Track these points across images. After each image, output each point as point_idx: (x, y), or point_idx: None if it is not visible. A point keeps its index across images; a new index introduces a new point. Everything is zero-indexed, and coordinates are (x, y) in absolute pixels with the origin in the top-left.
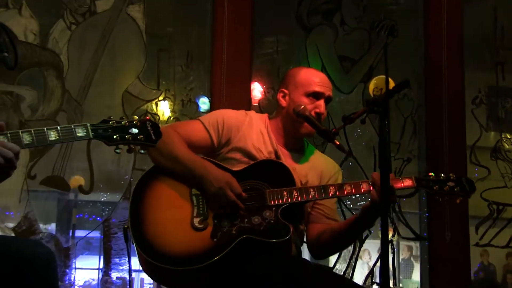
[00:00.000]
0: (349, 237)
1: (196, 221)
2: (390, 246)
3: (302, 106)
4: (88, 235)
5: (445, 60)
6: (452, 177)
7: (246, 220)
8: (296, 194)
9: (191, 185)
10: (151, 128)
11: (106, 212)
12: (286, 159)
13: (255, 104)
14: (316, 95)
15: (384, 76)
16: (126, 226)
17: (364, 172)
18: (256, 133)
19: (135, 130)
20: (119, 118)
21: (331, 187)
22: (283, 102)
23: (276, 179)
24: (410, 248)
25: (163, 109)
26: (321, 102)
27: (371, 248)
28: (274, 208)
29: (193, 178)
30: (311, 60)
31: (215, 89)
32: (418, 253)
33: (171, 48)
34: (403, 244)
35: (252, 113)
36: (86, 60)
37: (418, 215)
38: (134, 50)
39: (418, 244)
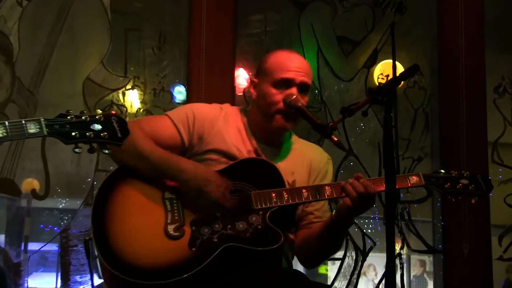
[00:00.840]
0: (329, 242)
1: (170, 228)
2: (398, 261)
3: (294, 96)
4: (43, 248)
5: (462, 42)
6: (465, 174)
7: (229, 226)
8: (286, 196)
9: (163, 188)
10: (117, 124)
11: (65, 221)
12: (269, 156)
13: (239, 94)
14: (285, 83)
15: (390, 61)
16: (87, 238)
17: (368, 173)
18: (233, 130)
19: (97, 127)
20: (79, 112)
21: (326, 188)
22: (254, 94)
23: (262, 180)
24: (422, 263)
25: (132, 99)
26: (292, 91)
27: (376, 263)
28: (261, 212)
29: (166, 179)
30: (305, 42)
31: (193, 76)
32: (432, 268)
33: (140, 28)
34: (414, 258)
35: (227, 107)
36: (40, 42)
37: (432, 224)
38: (97, 30)
39: (431, 258)
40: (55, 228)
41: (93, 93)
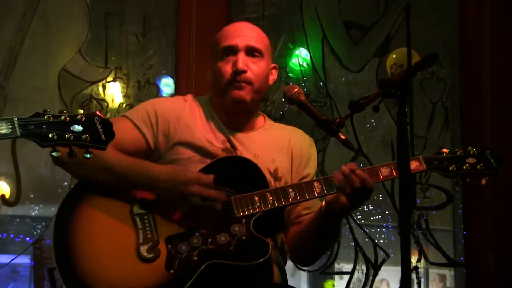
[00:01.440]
0: (322, 236)
1: (143, 249)
2: (415, 275)
3: (296, 89)
4: (13, 261)
5: (487, 27)
6: (472, 152)
7: (209, 240)
8: (271, 198)
9: (130, 202)
10: (101, 125)
11: (38, 231)
12: (244, 145)
13: None
14: (229, 51)
15: (405, 49)
16: (50, 267)
17: None
18: (201, 121)
19: (78, 128)
20: (58, 112)
21: (315, 184)
22: (210, 79)
23: (242, 181)
24: (442, 278)
25: (113, 93)
26: (239, 57)
27: (390, 278)
28: (244, 220)
29: (137, 188)
30: (309, 28)
31: (182, 66)
32: (453, 284)
33: (122, 12)
34: (433, 272)
35: (190, 97)
36: (9, 28)
37: (452, 234)
38: (74, 15)
39: (452, 272)
40: (27, 238)
41: (70, 86)
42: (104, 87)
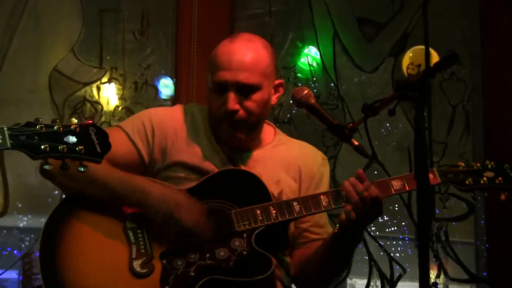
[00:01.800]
0: (333, 263)
1: (136, 264)
2: None
3: (306, 91)
4: (1, 277)
5: (510, 23)
6: (490, 165)
7: (207, 255)
8: (274, 211)
9: (123, 215)
10: (96, 136)
11: (27, 243)
12: (247, 165)
13: None
14: (219, 88)
15: (422, 47)
16: (36, 286)
17: None
18: (202, 136)
19: (72, 139)
20: (50, 121)
21: (322, 197)
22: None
23: (243, 195)
24: None
25: (108, 95)
26: (229, 97)
27: None
28: (245, 235)
29: (127, 206)
30: (319, 25)
31: (182, 66)
32: None
33: (118, 8)
34: None
35: (193, 107)
36: None
37: (474, 247)
38: (66, 11)
39: None
40: (15, 252)
41: (62, 87)
42: (98, 88)
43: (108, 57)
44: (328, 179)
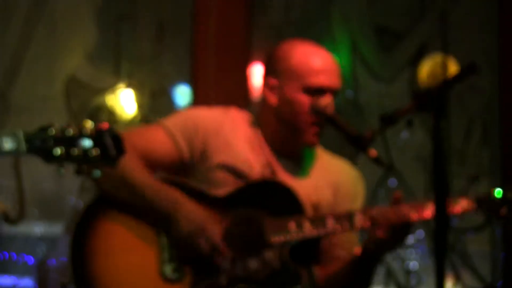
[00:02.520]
0: (355, 282)
1: (167, 268)
2: None
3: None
4: (16, 284)
5: None
6: None
7: (239, 265)
8: (308, 226)
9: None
10: (111, 140)
11: (43, 250)
12: (284, 173)
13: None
14: (319, 90)
15: (441, 57)
16: (64, 282)
17: (413, 195)
18: (242, 140)
19: (87, 143)
20: (65, 125)
21: (358, 216)
22: (273, 99)
23: (277, 206)
24: None
25: (125, 102)
26: (328, 99)
27: None
28: (278, 247)
29: (155, 215)
30: (337, 33)
31: (199, 74)
32: None
33: (135, 15)
34: None
35: (233, 112)
36: (13, 33)
37: (490, 256)
38: (83, 18)
39: None
40: (31, 259)
41: (78, 94)
42: (115, 95)
43: (125, 65)
44: (362, 196)
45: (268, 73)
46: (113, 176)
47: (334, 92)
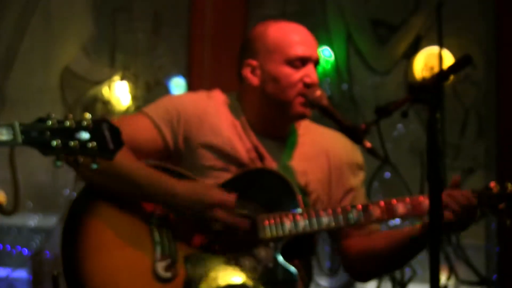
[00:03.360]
0: (402, 258)
1: (160, 267)
2: None
3: (319, 92)
4: (10, 276)
5: None
6: None
7: (232, 263)
8: (302, 221)
9: (148, 213)
10: (109, 133)
11: (37, 242)
12: (273, 154)
13: None
14: (301, 60)
15: (436, 49)
16: (55, 273)
17: (407, 187)
18: (226, 124)
19: (85, 135)
20: (62, 116)
21: (350, 209)
22: (255, 80)
23: (270, 198)
24: None
25: (120, 94)
26: (311, 68)
27: None
28: (271, 245)
29: (152, 201)
30: (332, 26)
31: (195, 66)
32: None
33: (131, 7)
34: None
35: (217, 96)
36: (7, 25)
37: (485, 250)
38: (78, 10)
39: None
40: (25, 251)
41: (73, 86)
42: (110, 88)
43: (120, 57)
44: (361, 167)
45: (246, 57)
46: (104, 169)
47: (315, 63)
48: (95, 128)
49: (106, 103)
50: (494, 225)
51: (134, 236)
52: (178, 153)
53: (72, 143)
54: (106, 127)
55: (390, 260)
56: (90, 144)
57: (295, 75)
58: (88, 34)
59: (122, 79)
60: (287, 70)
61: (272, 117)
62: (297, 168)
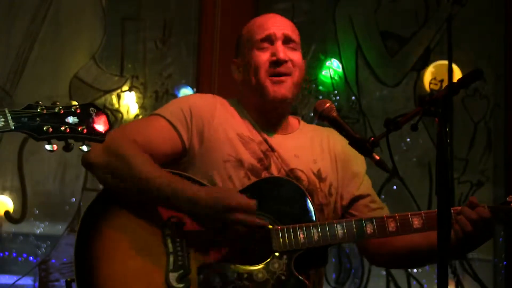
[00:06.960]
0: (427, 257)
1: (173, 277)
2: None
3: (328, 104)
4: (16, 283)
5: None
6: None
7: (245, 275)
8: (317, 235)
9: (163, 221)
10: (97, 116)
11: (43, 250)
12: (282, 146)
13: None
14: (267, 41)
15: (445, 62)
16: (69, 279)
17: (415, 200)
18: (235, 119)
19: (74, 119)
20: (51, 103)
21: (368, 225)
22: (240, 76)
23: (284, 209)
24: None
25: (129, 103)
26: (277, 46)
27: None
28: (285, 257)
29: (174, 206)
30: (342, 38)
31: (203, 76)
32: None
33: (140, 16)
34: None
35: (222, 98)
36: (18, 33)
37: (492, 264)
38: (88, 19)
39: None
40: (31, 258)
41: (82, 95)
42: (119, 96)
43: (129, 66)
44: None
45: (233, 61)
46: (120, 171)
47: (285, 39)
48: (83, 113)
49: (115, 112)
50: (502, 239)
51: (148, 245)
52: (192, 150)
53: (62, 127)
54: (94, 111)
55: (410, 258)
56: (79, 128)
57: (262, 56)
58: (97, 43)
59: (130, 88)
60: (257, 53)
61: (265, 109)
62: (307, 157)
